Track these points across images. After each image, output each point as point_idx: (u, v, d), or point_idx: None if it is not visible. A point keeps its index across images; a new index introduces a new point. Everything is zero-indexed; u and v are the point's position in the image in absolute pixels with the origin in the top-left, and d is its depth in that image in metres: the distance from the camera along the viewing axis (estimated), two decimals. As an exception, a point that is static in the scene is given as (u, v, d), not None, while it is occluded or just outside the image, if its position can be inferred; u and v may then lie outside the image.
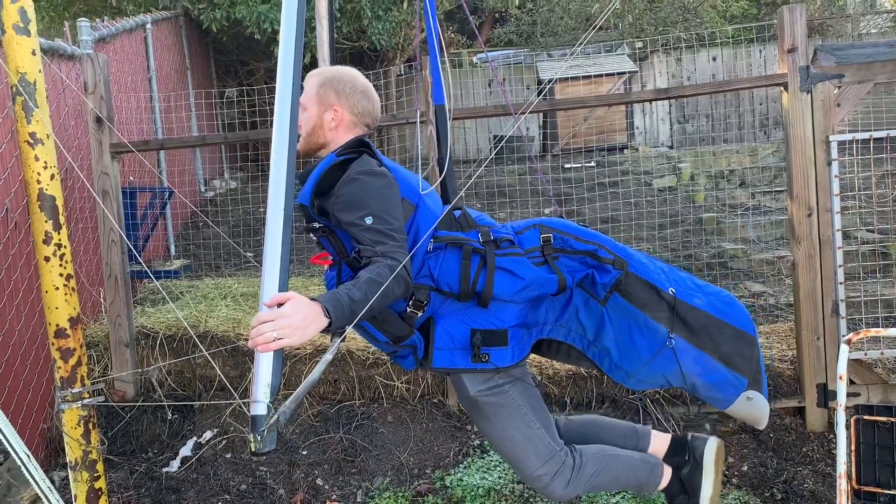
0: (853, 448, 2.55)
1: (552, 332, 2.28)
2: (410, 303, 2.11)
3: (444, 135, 2.51)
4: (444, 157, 2.45)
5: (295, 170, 1.80)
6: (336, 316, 1.66)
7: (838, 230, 3.81)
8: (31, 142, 2.19)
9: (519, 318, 2.19)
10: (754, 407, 2.26)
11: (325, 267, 2.29)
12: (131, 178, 6.20)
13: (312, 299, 1.66)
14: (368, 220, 1.93)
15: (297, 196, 2.14)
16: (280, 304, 1.63)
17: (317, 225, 2.12)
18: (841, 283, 3.81)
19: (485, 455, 3.82)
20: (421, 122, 4.27)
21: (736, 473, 3.62)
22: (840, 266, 3.81)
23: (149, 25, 7.70)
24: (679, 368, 2.20)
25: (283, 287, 1.68)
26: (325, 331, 1.68)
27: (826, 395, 3.85)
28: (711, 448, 2.43)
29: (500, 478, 3.61)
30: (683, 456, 2.46)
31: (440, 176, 2.40)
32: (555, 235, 2.25)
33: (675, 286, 2.24)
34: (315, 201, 2.10)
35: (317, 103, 2.21)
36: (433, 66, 2.50)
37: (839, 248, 3.82)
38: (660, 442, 2.51)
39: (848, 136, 3.88)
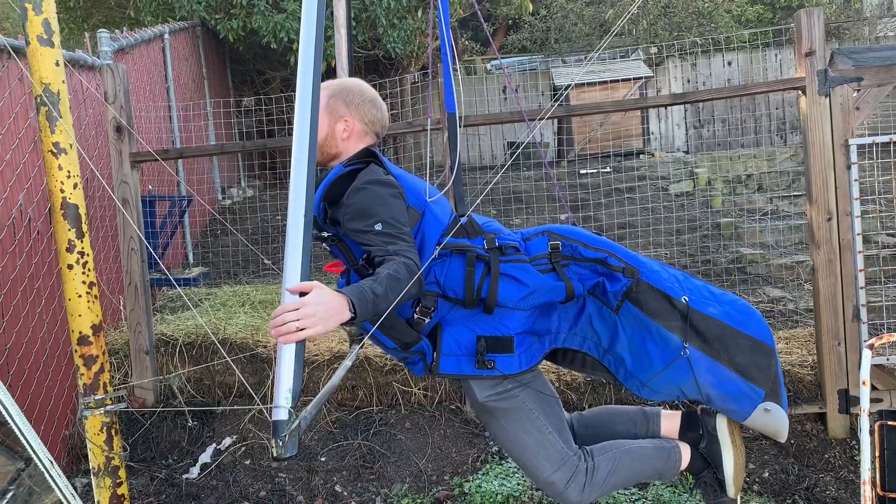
0: (877, 454, 2.52)
1: (567, 341, 2.27)
2: (418, 309, 2.12)
3: (453, 142, 2.53)
4: (454, 164, 2.46)
5: (315, 175, 1.81)
6: (361, 309, 1.66)
7: (858, 234, 3.78)
8: (55, 151, 2.21)
9: (525, 325, 2.18)
10: (773, 419, 2.22)
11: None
12: (150, 187, 6.26)
13: (338, 291, 1.66)
14: (378, 227, 1.95)
15: None
16: (303, 294, 1.61)
17: (325, 234, 2.15)
18: (862, 288, 3.78)
19: (503, 462, 3.81)
20: (436, 130, 4.28)
21: (757, 480, 3.59)
22: (861, 270, 3.78)
23: (166, 36, 7.78)
24: (694, 379, 2.17)
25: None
26: (347, 324, 1.68)
27: (848, 401, 3.81)
28: (722, 419, 2.38)
29: (518, 484, 3.60)
30: (697, 431, 2.42)
31: (449, 183, 2.41)
32: (563, 243, 2.24)
33: (688, 294, 2.21)
34: (327, 212, 2.13)
35: (328, 115, 2.24)
36: (446, 74, 2.52)
37: (860, 252, 3.78)
38: (671, 422, 2.47)
39: (867, 140, 3.85)
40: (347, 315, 1.65)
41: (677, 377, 2.18)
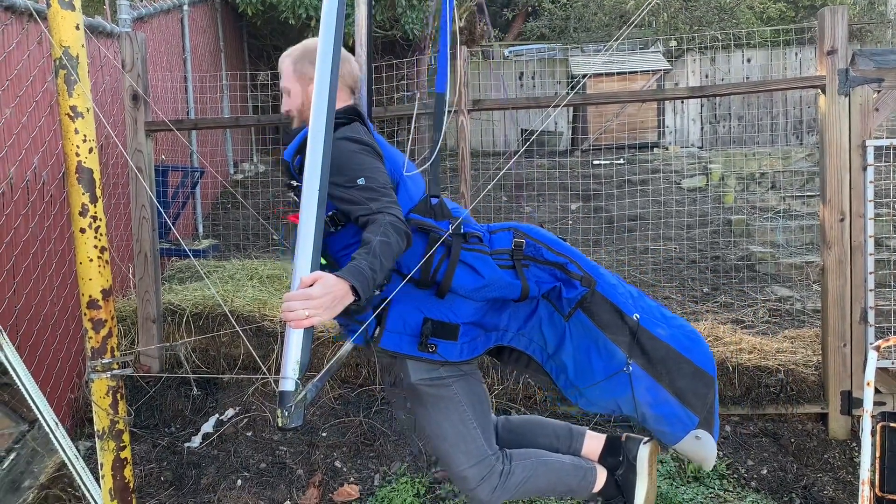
0: (878, 455, 2.53)
1: (513, 341, 2.25)
2: None
3: (439, 123, 2.49)
4: (436, 144, 2.43)
5: (331, 152, 1.81)
6: (363, 290, 1.69)
7: (871, 236, 3.77)
8: (72, 115, 2.22)
9: (475, 316, 2.18)
10: (701, 447, 2.23)
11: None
12: (163, 157, 6.27)
13: (340, 277, 1.68)
14: (361, 181, 1.95)
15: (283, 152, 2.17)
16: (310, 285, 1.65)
17: (295, 183, 2.13)
18: (871, 290, 3.77)
19: (503, 446, 3.83)
20: (453, 112, 4.27)
21: (755, 477, 3.60)
22: (871, 273, 3.77)
23: (185, 7, 7.77)
24: (632, 395, 2.18)
25: (316, 263, 1.71)
26: (352, 305, 1.70)
27: (850, 403, 3.81)
28: (645, 450, 2.40)
29: (517, 469, 3.62)
30: (617, 457, 2.44)
31: (429, 162, 2.38)
32: (527, 242, 2.23)
33: (640, 312, 2.21)
34: (299, 160, 2.10)
35: (297, 81, 2.26)
36: (441, 54, 2.47)
37: (871, 254, 3.77)
38: (594, 443, 2.49)
39: (885, 142, 3.83)
40: (351, 299, 1.68)
41: (616, 391, 2.19)
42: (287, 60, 2.31)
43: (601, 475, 2.43)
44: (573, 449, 2.48)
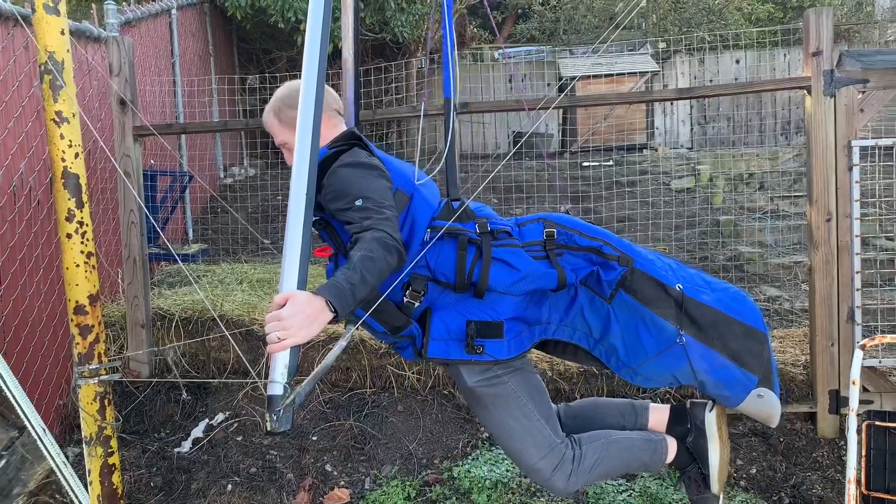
0: (864, 453, 2.54)
1: (557, 333, 2.26)
2: (408, 293, 2.12)
3: (448, 127, 2.52)
4: (447, 147, 2.45)
5: (318, 154, 1.82)
6: (340, 306, 1.66)
7: (857, 236, 3.79)
8: (58, 120, 2.22)
9: (516, 311, 2.18)
10: (765, 405, 2.23)
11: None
12: (151, 161, 6.25)
13: (315, 293, 1.66)
14: (358, 202, 1.94)
15: None
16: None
17: (313, 217, 2.14)
18: (858, 290, 3.79)
19: (493, 448, 3.83)
20: (440, 115, 4.27)
21: (744, 476, 3.62)
22: (857, 272, 3.79)
23: (174, 11, 7.75)
24: (689, 366, 2.18)
25: (304, 269, 1.70)
26: (333, 321, 1.69)
27: (838, 402, 3.83)
28: (712, 414, 2.40)
29: (507, 471, 3.62)
30: (685, 425, 2.45)
31: (439, 166, 2.39)
32: (559, 231, 2.24)
33: (682, 283, 2.22)
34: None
35: (287, 128, 2.23)
36: (445, 59, 2.50)
37: (857, 254, 3.79)
38: (659, 415, 2.49)
39: (870, 142, 3.86)
40: (328, 316, 1.66)
41: (671, 364, 2.19)
42: (270, 116, 2.31)
43: (672, 446, 2.44)
44: (639, 424, 2.48)
